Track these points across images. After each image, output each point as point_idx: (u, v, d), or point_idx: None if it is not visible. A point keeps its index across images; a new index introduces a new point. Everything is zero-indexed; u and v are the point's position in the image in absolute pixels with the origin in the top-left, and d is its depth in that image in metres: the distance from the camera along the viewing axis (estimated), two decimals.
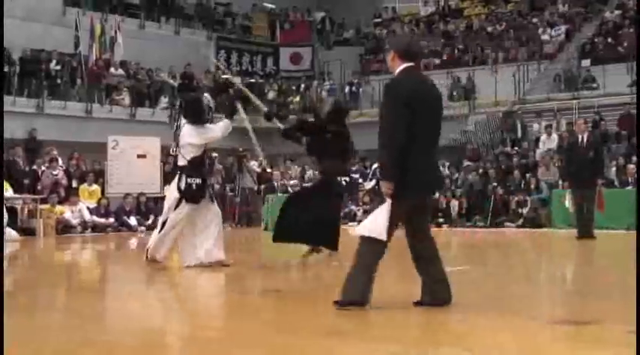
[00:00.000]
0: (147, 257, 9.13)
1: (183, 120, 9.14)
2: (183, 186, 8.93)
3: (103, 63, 24.53)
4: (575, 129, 14.95)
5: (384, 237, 5.49)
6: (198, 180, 9.04)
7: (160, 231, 9.08)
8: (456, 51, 29.24)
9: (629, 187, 17.37)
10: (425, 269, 5.73)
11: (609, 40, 25.59)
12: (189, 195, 8.97)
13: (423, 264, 5.74)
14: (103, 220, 18.16)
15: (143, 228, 18.43)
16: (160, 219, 9.33)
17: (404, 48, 5.79)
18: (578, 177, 13.79)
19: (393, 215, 5.51)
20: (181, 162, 9.08)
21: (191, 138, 9.00)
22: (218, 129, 9.20)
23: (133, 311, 6.21)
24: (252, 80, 30.14)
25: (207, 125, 9.17)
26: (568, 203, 14.78)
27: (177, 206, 8.98)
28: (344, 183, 10.13)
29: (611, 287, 7.60)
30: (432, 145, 5.72)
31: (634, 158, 18.78)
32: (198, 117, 9.08)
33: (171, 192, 9.14)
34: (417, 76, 5.81)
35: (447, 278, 5.72)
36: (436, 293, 5.68)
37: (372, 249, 5.56)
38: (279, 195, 20.40)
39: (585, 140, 13.86)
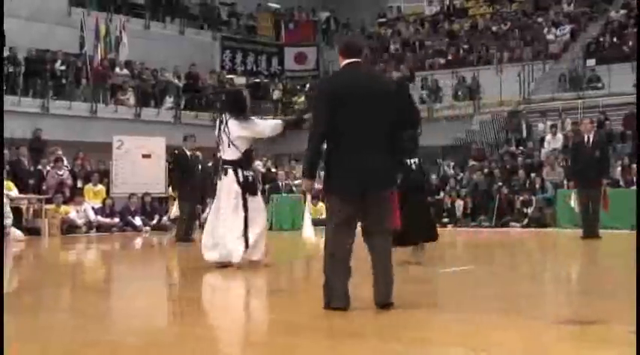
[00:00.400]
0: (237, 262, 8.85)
1: (227, 115, 8.95)
2: (241, 179, 8.84)
3: (108, 63, 24.55)
4: (581, 129, 14.90)
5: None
6: (252, 173, 9.07)
7: (246, 232, 8.78)
8: (461, 50, 29.21)
9: (634, 187, 17.32)
10: (373, 265, 5.62)
11: (614, 39, 25.56)
12: (249, 188, 8.90)
13: (371, 259, 5.62)
14: (107, 220, 18.16)
15: (148, 227, 18.45)
16: (229, 218, 8.84)
17: (343, 45, 5.80)
18: (583, 177, 13.75)
19: (328, 211, 5.60)
20: (233, 157, 8.87)
21: (240, 131, 8.85)
22: (267, 126, 9.09)
23: (137, 311, 6.20)
24: (257, 80, 30.19)
25: (254, 119, 9.10)
26: (574, 203, 14.73)
27: (244, 202, 8.82)
28: (414, 165, 8.87)
29: (616, 287, 7.59)
30: (365, 142, 5.47)
31: None
32: (242, 110, 8.96)
33: (230, 189, 8.86)
34: (354, 71, 5.67)
35: (389, 282, 5.53)
36: (376, 293, 5.57)
37: (325, 253, 5.57)
38: (284, 194, 20.39)
39: (591, 140, 13.82)
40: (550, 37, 27.63)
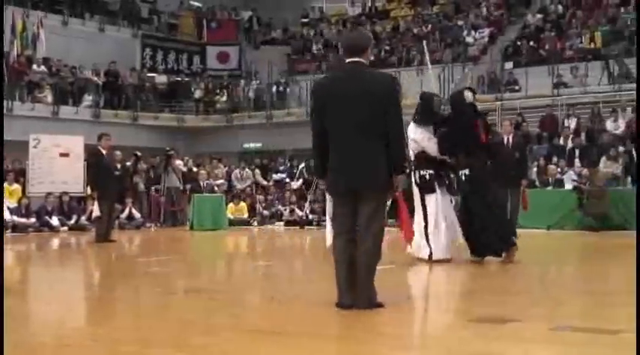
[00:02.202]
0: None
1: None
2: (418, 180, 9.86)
3: (25, 59, 23.99)
4: (501, 131, 15.15)
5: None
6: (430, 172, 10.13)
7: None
8: (383, 52, 29.46)
9: (549, 188, 17.79)
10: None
11: (531, 43, 26.14)
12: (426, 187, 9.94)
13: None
14: (23, 220, 17.74)
15: (65, 227, 18.10)
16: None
17: (342, 45, 5.87)
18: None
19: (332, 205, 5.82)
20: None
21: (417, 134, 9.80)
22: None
23: (52, 313, 6.07)
24: (178, 78, 29.88)
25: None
26: None
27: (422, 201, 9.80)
28: (463, 177, 10.25)
29: (530, 286, 7.76)
30: (351, 142, 5.49)
31: (554, 159, 19.24)
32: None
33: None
34: (343, 71, 5.72)
35: (362, 288, 5.52)
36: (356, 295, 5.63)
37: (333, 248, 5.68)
38: (205, 194, 20.28)
39: (510, 141, 14.05)
40: (469, 39, 28.11)
